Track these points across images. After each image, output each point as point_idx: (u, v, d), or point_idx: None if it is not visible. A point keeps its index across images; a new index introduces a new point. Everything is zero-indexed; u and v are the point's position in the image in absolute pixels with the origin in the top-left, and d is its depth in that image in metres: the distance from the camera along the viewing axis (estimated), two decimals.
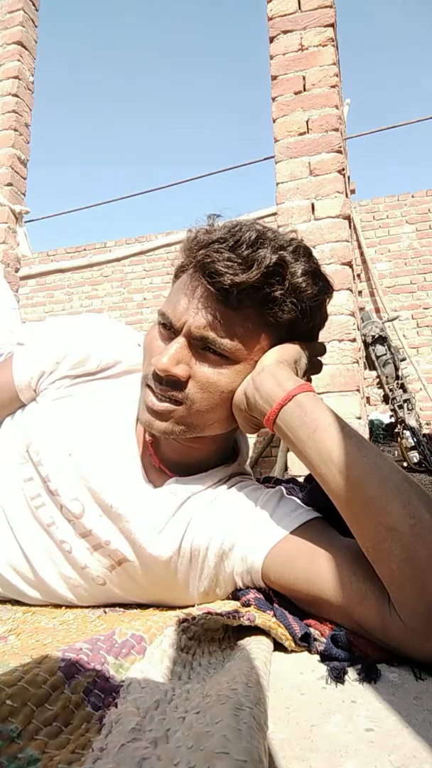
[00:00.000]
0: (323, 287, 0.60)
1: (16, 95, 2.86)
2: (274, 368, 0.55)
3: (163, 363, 0.55)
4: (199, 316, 0.55)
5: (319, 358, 0.64)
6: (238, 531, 0.58)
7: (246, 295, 0.54)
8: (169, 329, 0.58)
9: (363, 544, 0.48)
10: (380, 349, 3.32)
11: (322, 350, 0.64)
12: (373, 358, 3.33)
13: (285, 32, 2.29)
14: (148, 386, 0.58)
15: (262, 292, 0.55)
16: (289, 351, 0.58)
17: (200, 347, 0.56)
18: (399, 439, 3.42)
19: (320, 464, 0.51)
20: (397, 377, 3.36)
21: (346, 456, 0.49)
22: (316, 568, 0.52)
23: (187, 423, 0.58)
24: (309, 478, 0.74)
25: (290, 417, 0.53)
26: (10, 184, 2.78)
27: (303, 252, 0.58)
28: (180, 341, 0.56)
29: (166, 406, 0.57)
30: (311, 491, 0.63)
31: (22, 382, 0.70)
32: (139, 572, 0.61)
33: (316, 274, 0.59)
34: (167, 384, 0.56)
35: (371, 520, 0.47)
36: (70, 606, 0.65)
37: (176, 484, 0.63)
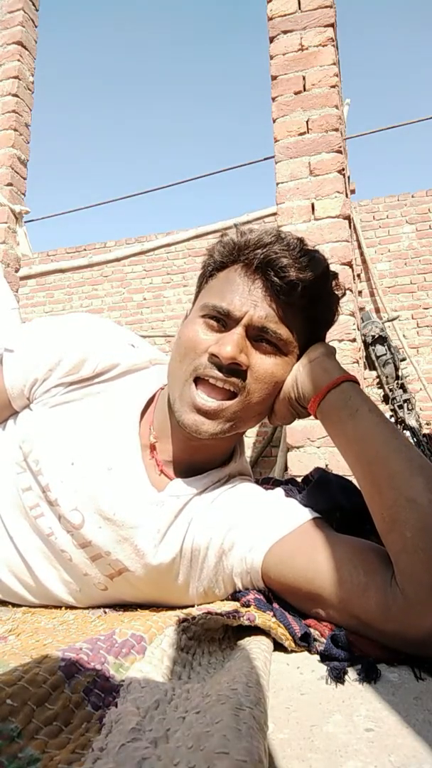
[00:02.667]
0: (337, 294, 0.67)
1: (16, 95, 2.86)
2: (322, 359, 0.61)
3: (229, 351, 0.56)
4: (260, 307, 0.59)
5: None
6: (237, 531, 0.59)
7: (303, 292, 0.59)
8: (221, 321, 0.60)
9: (379, 513, 0.51)
10: (380, 349, 3.32)
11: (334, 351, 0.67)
12: (373, 358, 3.33)
13: (285, 32, 2.29)
14: (196, 382, 0.59)
15: (314, 292, 0.60)
16: (329, 347, 0.64)
17: (256, 338, 0.59)
18: None
19: (354, 441, 0.55)
20: (397, 377, 3.35)
21: (379, 435, 0.53)
22: (316, 566, 0.53)
23: (237, 418, 0.60)
24: (306, 480, 0.74)
25: (335, 399, 0.58)
26: (10, 184, 2.78)
27: (323, 257, 0.64)
28: (239, 331, 0.58)
29: (218, 404, 0.58)
30: (309, 493, 0.64)
31: (15, 391, 0.67)
32: (141, 580, 0.61)
33: (335, 277, 0.65)
34: (228, 373, 0.58)
35: (393, 491, 0.49)
36: (70, 606, 0.65)
37: (178, 487, 0.63)
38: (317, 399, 0.58)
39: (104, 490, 0.61)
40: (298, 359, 0.62)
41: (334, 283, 0.64)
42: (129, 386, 0.68)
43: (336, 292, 0.65)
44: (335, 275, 0.64)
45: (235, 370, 0.58)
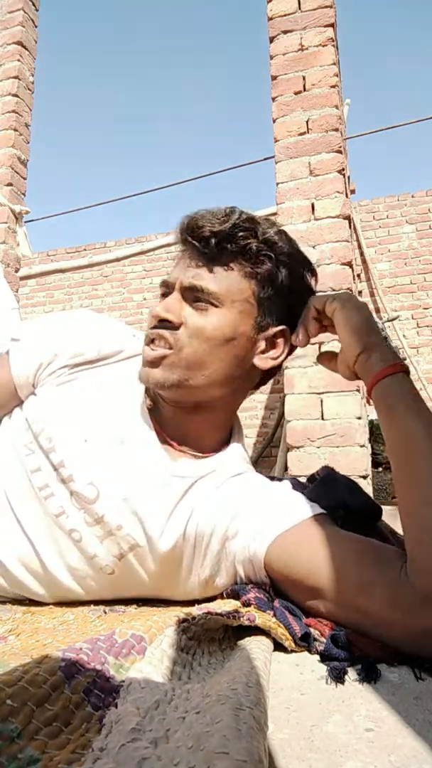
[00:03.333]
0: (300, 254, 0.68)
1: (16, 95, 2.86)
2: (366, 356, 0.59)
3: (156, 310, 0.63)
4: (188, 271, 0.63)
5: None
6: (242, 519, 0.59)
7: (224, 245, 0.62)
8: (166, 294, 0.65)
9: (403, 505, 0.52)
10: None
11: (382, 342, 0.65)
12: None
13: (285, 32, 2.29)
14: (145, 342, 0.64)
15: (239, 244, 0.62)
16: (358, 326, 0.60)
17: (192, 299, 0.63)
18: None
19: (387, 434, 0.56)
20: None
21: (408, 432, 0.54)
22: (320, 559, 0.53)
23: (179, 368, 0.62)
24: (312, 479, 0.75)
25: (376, 396, 0.58)
26: (10, 184, 2.78)
27: (279, 225, 0.67)
28: (174, 296, 0.64)
29: (158, 352, 0.62)
30: (315, 489, 0.64)
31: (21, 378, 0.69)
32: (148, 559, 0.62)
33: (291, 239, 0.67)
34: (162, 329, 0.62)
35: (414, 486, 0.51)
36: (70, 606, 0.65)
37: (184, 467, 0.64)
38: (368, 394, 0.60)
39: (117, 464, 0.63)
40: (247, 318, 0.63)
41: (275, 235, 0.64)
42: (133, 368, 0.70)
43: (276, 242, 0.64)
44: (281, 232, 0.66)
45: (165, 326, 0.62)
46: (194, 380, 0.63)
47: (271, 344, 0.66)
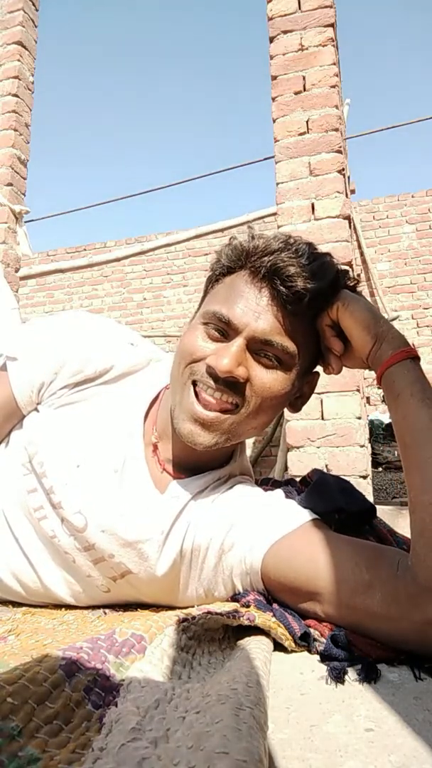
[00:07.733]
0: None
1: (16, 95, 2.86)
2: (377, 347, 0.58)
3: (225, 364, 0.55)
4: (264, 318, 0.56)
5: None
6: (237, 531, 0.59)
7: (310, 303, 0.57)
8: (222, 331, 0.58)
9: (409, 492, 0.52)
10: None
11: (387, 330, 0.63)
12: None
13: (285, 32, 2.29)
14: (195, 385, 0.58)
15: (321, 302, 0.58)
16: (380, 331, 0.58)
17: (257, 350, 0.57)
18: None
19: (395, 423, 0.55)
20: None
21: (415, 421, 0.53)
22: (317, 565, 0.53)
23: (232, 431, 0.59)
24: (305, 481, 0.74)
25: (384, 384, 0.58)
26: (10, 184, 2.78)
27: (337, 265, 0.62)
28: (239, 343, 0.56)
29: (216, 415, 0.57)
30: (309, 494, 0.64)
31: (24, 399, 0.66)
32: (144, 582, 0.61)
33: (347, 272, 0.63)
34: (224, 385, 0.56)
35: (419, 476, 0.51)
36: (70, 607, 0.65)
37: (178, 487, 0.63)
38: (378, 381, 0.59)
39: (109, 493, 0.61)
40: (300, 373, 0.61)
41: (345, 281, 0.61)
42: (131, 387, 0.68)
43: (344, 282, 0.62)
44: (345, 272, 0.62)
45: (231, 383, 0.57)
46: (241, 435, 0.61)
47: (307, 386, 0.65)
